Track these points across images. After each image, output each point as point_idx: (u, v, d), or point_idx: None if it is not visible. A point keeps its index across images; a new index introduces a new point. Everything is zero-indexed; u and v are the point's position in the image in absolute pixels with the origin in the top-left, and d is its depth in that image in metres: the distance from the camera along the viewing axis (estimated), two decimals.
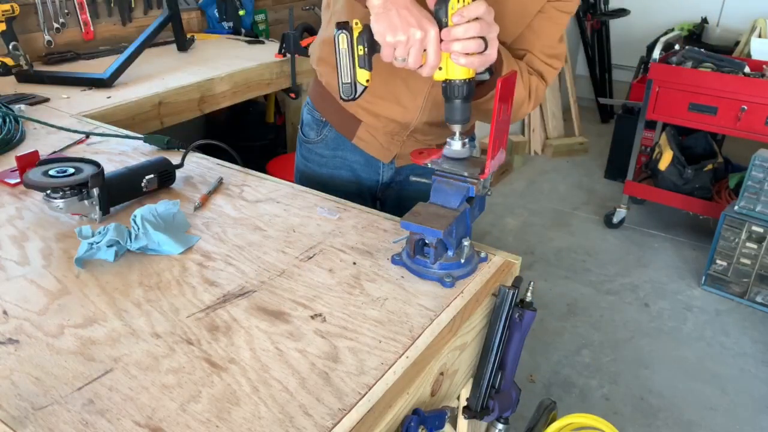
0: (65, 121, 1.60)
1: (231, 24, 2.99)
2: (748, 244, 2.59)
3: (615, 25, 4.74)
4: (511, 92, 0.91)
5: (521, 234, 3.29)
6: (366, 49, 0.88)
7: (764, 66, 2.86)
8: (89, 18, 2.48)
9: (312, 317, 0.84)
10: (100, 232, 0.95)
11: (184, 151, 1.36)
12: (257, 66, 2.37)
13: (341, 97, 0.92)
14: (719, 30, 4.18)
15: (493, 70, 0.98)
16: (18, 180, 1.21)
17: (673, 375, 2.30)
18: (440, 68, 0.89)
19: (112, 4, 2.55)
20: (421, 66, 0.88)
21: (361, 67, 0.90)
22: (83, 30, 2.47)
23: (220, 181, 1.23)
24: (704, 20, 4.25)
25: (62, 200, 1.03)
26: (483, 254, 0.99)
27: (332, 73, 1.25)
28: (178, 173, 1.24)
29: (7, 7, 2.10)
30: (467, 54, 0.86)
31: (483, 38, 0.85)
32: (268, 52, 2.55)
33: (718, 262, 2.70)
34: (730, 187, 3.05)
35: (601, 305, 2.70)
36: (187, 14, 2.90)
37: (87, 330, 0.81)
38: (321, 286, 0.91)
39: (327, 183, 1.36)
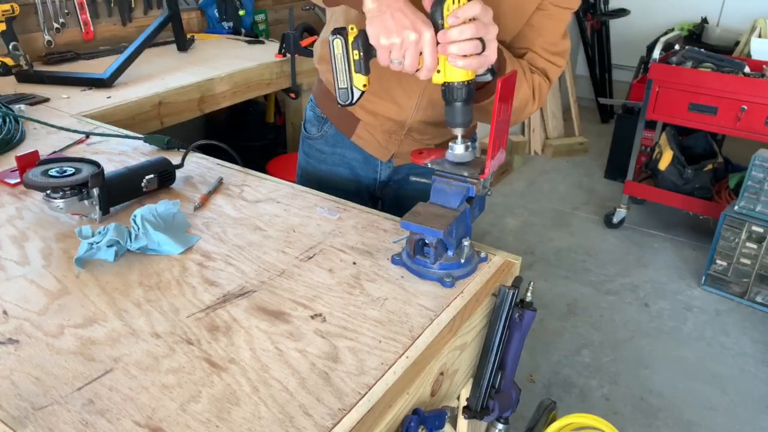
0: (65, 121, 1.60)
1: (231, 24, 2.99)
2: (748, 244, 2.59)
3: (615, 25, 4.74)
4: (511, 92, 0.91)
5: (521, 234, 3.29)
6: (362, 53, 0.87)
7: (764, 66, 2.86)
8: (89, 18, 2.48)
9: (312, 317, 0.84)
10: (100, 232, 0.95)
11: (184, 151, 1.36)
12: (257, 66, 2.37)
13: (338, 103, 0.91)
14: (719, 30, 4.18)
15: (495, 70, 0.98)
16: (18, 180, 1.21)
17: (673, 375, 2.30)
18: (438, 71, 0.88)
19: (112, 4, 2.55)
20: (418, 69, 0.87)
21: (357, 72, 0.89)
22: (83, 30, 2.47)
23: (220, 181, 1.23)
24: (704, 20, 4.25)
25: (62, 200, 1.03)
26: (483, 254, 0.99)
27: (330, 71, 1.25)
28: (178, 173, 1.24)
29: (7, 7, 2.10)
30: (464, 56, 0.85)
31: (480, 39, 0.84)
32: (268, 52, 2.55)
33: (718, 262, 2.70)
34: (730, 187, 3.05)
35: (601, 305, 2.70)
36: (187, 14, 2.90)
37: (87, 330, 0.81)
38: (321, 286, 0.91)
39: (326, 179, 1.37)
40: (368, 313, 0.85)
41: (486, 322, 0.92)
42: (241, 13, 2.98)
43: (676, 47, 3.10)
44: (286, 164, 2.65)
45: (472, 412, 0.90)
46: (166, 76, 2.13)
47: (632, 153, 3.18)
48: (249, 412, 0.68)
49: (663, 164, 3.09)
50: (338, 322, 0.83)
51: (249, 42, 2.78)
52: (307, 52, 2.47)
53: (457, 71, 0.87)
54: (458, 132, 0.92)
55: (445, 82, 0.89)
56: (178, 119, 2.05)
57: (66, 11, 2.39)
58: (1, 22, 2.09)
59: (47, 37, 2.33)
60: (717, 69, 2.81)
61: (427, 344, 0.80)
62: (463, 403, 0.94)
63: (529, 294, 0.91)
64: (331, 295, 0.89)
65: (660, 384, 2.25)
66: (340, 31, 0.87)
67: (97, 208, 1.07)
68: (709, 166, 3.03)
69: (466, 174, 0.92)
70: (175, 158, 1.26)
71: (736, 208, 2.60)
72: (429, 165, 0.95)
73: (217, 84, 2.18)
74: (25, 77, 2.01)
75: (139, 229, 0.99)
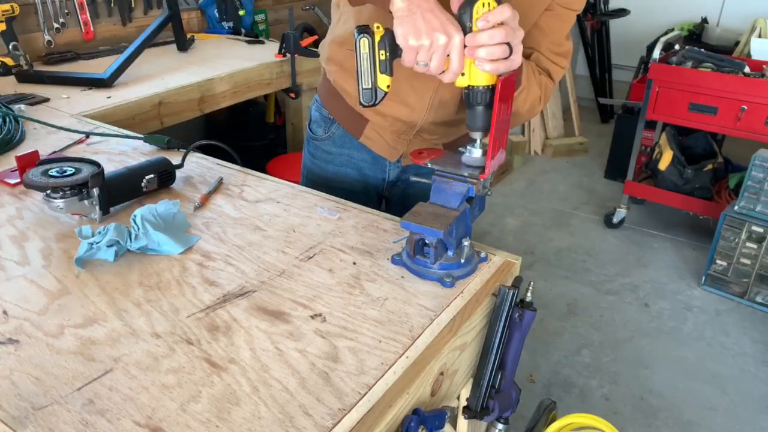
0: (65, 121, 1.60)
1: (231, 24, 2.99)
2: (748, 244, 2.59)
3: (615, 25, 4.74)
4: (511, 92, 0.91)
5: (521, 234, 3.29)
6: (388, 53, 0.86)
7: (764, 66, 2.86)
8: (89, 18, 2.48)
9: (312, 317, 0.84)
10: (100, 232, 0.95)
11: (184, 151, 1.36)
12: (257, 66, 2.37)
13: (361, 103, 0.89)
14: (719, 30, 4.17)
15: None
16: (18, 180, 1.21)
17: (673, 375, 2.30)
18: (463, 74, 0.87)
19: (112, 4, 2.55)
20: (443, 72, 0.86)
21: (382, 72, 0.87)
22: (83, 30, 2.47)
23: (220, 181, 1.23)
24: (704, 20, 4.25)
25: (62, 200, 1.03)
26: (483, 254, 0.99)
27: (340, 72, 1.25)
28: (178, 173, 1.24)
29: (7, 7, 2.10)
30: (492, 60, 0.84)
31: (508, 44, 0.84)
32: (268, 52, 2.55)
33: (718, 262, 2.70)
34: (730, 187, 3.05)
35: (601, 305, 2.70)
36: (187, 14, 2.90)
37: (87, 330, 0.81)
38: (321, 286, 0.91)
39: (333, 180, 1.36)
40: (368, 313, 0.85)
41: (486, 322, 0.92)
42: (241, 13, 2.98)
43: (676, 47, 3.10)
44: (286, 164, 2.65)
45: (472, 412, 0.90)
46: (166, 76, 2.13)
47: (632, 153, 3.18)
48: (249, 412, 0.68)
49: (663, 164, 3.10)
50: (338, 322, 0.83)
51: (249, 42, 2.78)
52: (307, 52, 2.47)
53: (482, 75, 0.86)
54: (477, 136, 0.92)
55: (469, 86, 0.88)
56: (178, 119, 2.05)
57: (66, 11, 2.39)
58: (1, 22, 2.10)
59: (47, 37, 2.33)
60: (717, 69, 2.81)
61: (427, 344, 0.80)
62: (463, 403, 0.94)
63: (529, 294, 0.91)
64: (331, 295, 0.89)
65: (660, 384, 2.25)
66: (366, 30, 0.85)
67: (97, 208, 1.07)
68: (709, 166, 3.03)
69: (466, 174, 0.92)
70: (175, 158, 1.26)
71: (736, 208, 2.60)
72: (429, 165, 0.95)
73: (217, 84, 2.19)
74: (25, 77, 2.01)
75: (139, 229, 0.99)
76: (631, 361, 2.36)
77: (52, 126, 1.53)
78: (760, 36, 3.52)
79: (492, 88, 0.88)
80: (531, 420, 1.08)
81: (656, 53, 2.89)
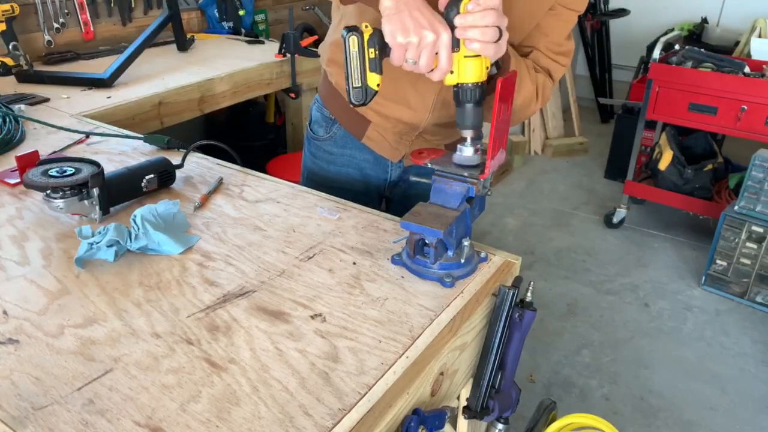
0: (65, 121, 1.60)
1: (231, 24, 2.99)
2: (748, 244, 2.59)
3: (615, 25, 4.74)
4: (511, 92, 0.91)
5: (521, 234, 3.29)
6: (377, 52, 0.86)
7: (764, 66, 2.86)
8: (89, 18, 2.48)
9: (312, 317, 0.84)
10: (100, 232, 0.95)
11: (184, 151, 1.36)
12: (257, 66, 2.37)
13: (351, 102, 0.90)
14: (719, 30, 4.17)
15: (500, 63, 0.97)
16: (18, 180, 1.21)
17: (673, 375, 2.30)
18: (452, 72, 0.87)
19: (112, 4, 2.55)
20: (432, 70, 0.87)
21: (371, 71, 0.87)
22: (83, 30, 2.47)
23: (220, 181, 1.23)
24: (704, 20, 4.25)
25: (62, 200, 1.03)
26: (483, 254, 0.99)
27: (341, 73, 1.25)
28: (178, 173, 1.24)
29: (7, 7, 2.10)
30: (484, 41, 0.84)
31: (498, 27, 0.84)
32: (268, 52, 2.55)
33: (718, 262, 2.70)
34: (730, 187, 3.05)
35: (601, 305, 2.70)
36: (187, 14, 2.90)
37: (87, 330, 0.81)
38: (321, 286, 0.91)
39: (335, 180, 1.36)
40: (368, 313, 0.85)
41: (486, 322, 0.92)
42: (241, 13, 2.98)
43: (676, 47, 3.10)
44: (286, 164, 2.65)
45: (472, 412, 0.90)
46: (166, 76, 2.13)
47: (632, 153, 3.17)
48: (249, 412, 0.68)
49: (663, 164, 3.09)
50: (338, 322, 0.83)
51: (249, 42, 2.78)
52: (307, 52, 2.47)
53: (471, 72, 0.87)
54: (468, 134, 0.92)
55: (458, 83, 0.88)
56: (178, 119, 2.05)
57: (66, 11, 2.39)
58: (1, 22, 2.10)
59: (47, 37, 2.33)
60: (717, 69, 2.81)
61: (427, 344, 0.80)
62: (463, 403, 0.94)
63: (529, 294, 0.91)
64: (331, 295, 0.89)
65: (660, 384, 2.25)
66: (355, 29, 0.85)
67: (97, 208, 1.07)
68: (709, 166, 3.03)
69: (466, 174, 0.92)
70: (175, 158, 1.26)
71: (736, 208, 2.60)
72: (429, 165, 0.95)
73: (217, 84, 2.19)
74: (25, 77, 2.01)
75: (139, 229, 0.99)
76: (631, 361, 2.36)
77: (52, 126, 1.53)
78: (760, 36, 3.52)
79: (481, 85, 0.88)
80: (531, 420, 1.08)
81: (656, 53, 2.89)
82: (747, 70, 2.80)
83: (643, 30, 4.49)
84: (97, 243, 0.94)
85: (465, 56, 0.86)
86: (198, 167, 1.31)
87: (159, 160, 1.19)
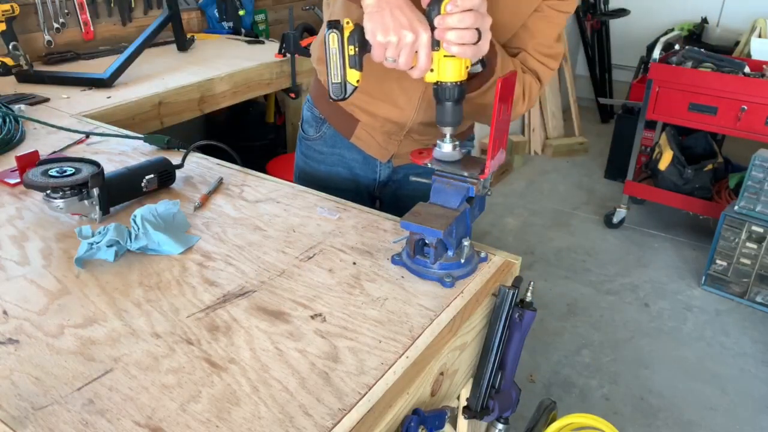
0: (65, 121, 1.60)
1: (231, 24, 2.99)
2: (748, 244, 2.59)
3: (615, 25, 4.74)
4: (511, 92, 0.91)
5: (521, 234, 3.29)
6: (357, 48, 0.87)
7: (764, 66, 2.86)
8: (89, 18, 2.48)
9: (312, 317, 0.84)
10: (100, 232, 0.95)
11: (184, 151, 1.36)
12: (257, 66, 2.37)
13: (330, 97, 0.91)
14: (719, 30, 4.18)
15: (485, 62, 0.98)
16: (18, 180, 1.21)
17: (673, 375, 2.30)
18: (432, 70, 0.88)
19: (112, 4, 2.55)
20: (412, 68, 0.88)
21: (351, 67, 0.88)
22: (83, 30, 2.47)
23: (220, 181, 1.23)
24: (704, 20, 4.25)
25: (62, 200, 1.03)
26: (483, 254, 0.99)
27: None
28: (178, 173, 1.24)
29: (7, 7, 2.10)
30: (461, 44, 0.84)
31: (477, 29, 0.85)
32: (268, 52, 2.55)
33: (718, 262, 2.70)
34: (730, 187, 3.05)
35: (601, 305, 2.70)
36: (187, 14, 2.90)
37: (87, 330, 0.81)
38: (321, 286, 0.91)
39: (325, 180, 1.36)
40: (368, 313, 0.85)
41: (486, 322, 0.92)
42: (241, 13, 2.98)
43: (676, 47, 3.10)
44: (286, 164, 2.65)
45: (472, 412, 0.90)
46: (166, 76, 2.13)
47: (632, 153, 3.18)
48: (249, 412, 0.68)
49: (663, 164, 3.10)
50: (338, 322, 0.83)
51: (249, 42, 2.78)
52: (307, 52, 2.47)
53: (451, 71, 0.87)
54: (447, 131, 0.93)
55: (437, 82, 0.89)
56: (178, 119, 2.05)
57: (66, 11, 2.39)
58: (1, 22, 2.09)
59: (47, 37, 2.33)
60: (717, 69, 2.81)
61: (427, 344, 0.80)
62: (463, 403, 0.94)
63: (529, 294, 0.91)
64: (331, 295, 0.89)
65: (660, 384, 2.25)
66: (336, 25, 0.86)
67: (97, 208, 1.07)
68: (709, 166, 3.03)
69: (466, 174, 0.92)
70: (175, 158, 1.26)
71: (736, 208, 2.60)
72: (429, 165, 0.95)
73: (217, 84, 2.19)
74: (25, 77, 2.01)
75: (139, 229, 0.99)
76: (631, 361, 2.36)
77: (52, 126, 1.53)
78: (760, 36, 3.52)
79: (460, 84, 0.89)
80: (531, 420, 1.08)
81: (656, 53, 2.89)
82: (747, 70, 2.80)
83: (643, 30, 4.49)
84: (97, 243, 0.94)
85: (444, 56, 0.87)
86: (198, 167, 1.31)
87: (159, 160, 1.19)
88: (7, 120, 1.46)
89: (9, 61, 2.07)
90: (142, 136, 1.45)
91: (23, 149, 1.38)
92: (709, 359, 2.38)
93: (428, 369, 0.77)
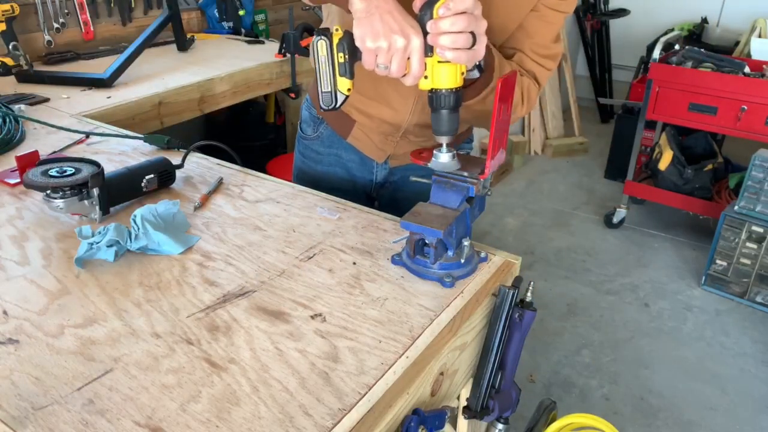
0: (65, 121, 1.60)
1: (231, 24, 2.99)
2: (748, 244, 2.59)
3: (615, 25, 4.74)
4: (511, 92, 0.91)
5: (521, 234, 3.29)
6: (347, 56, 0.84)
7: (764, 66, 2.86)
8: (89, 18, 2.48)
9: (312, 317, 0.84)
10: (100, 232, 0.95)
11: (184, 151, 1.36)
12: (257, 66, 2.37)
13: (321, 107, 0.88)
14: (719, 30, 4.18)
15: (483, 67, 0.95)
16: (18, 180, 1.21)
17: (673, 375, 2.30)
18: (426, 77, 0.85)
19: (112, 4, 2.55)
20: (404, 75, 0.84)
21: (341, 75, 0.85)
22: (83, 30, 2.47)
23: (220, 181, 1.23)
24: (704, 20, 4.25)
25: (62, 200, 1.03)
26: (483, 254, 0.99)
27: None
28: (178, 173, 1.24)
29: (7, 7, 2.10)
30: (455, 48, 0.81)
31: (471, 33, 0.81)
32: (268, 52, 2.55)
33: (718, 262, 2.70)
34: (730, 187, 3.05)
35: (601, 305, 2.70)
36: (187, 14, 2.90)
37: (87, 330, 0.81)
38: (321, 286, 0.91)
39: (322, 180, 1.37)
40: (368, 313, 0.85)
41: (486, 322, 0.92)
42: (241, 13, 2.98)
43: (676, 47, 3.10)
44: (286, 164, 2.65)
45: (472, 412, 0.90)
46: (166, 76, 2.13)
47: (632, 153, 3.18)
48: (249, 412, 0.68)
49: (663, 164, 3.10)
50: (338, 322, 0.83)
51: (249, 42, 2.78)
52: (307, 52, 2.47)
53: (446, 78, 0.84)
54: (443, 140, 0.89)
55: (432, 89, 0.86)
56: (178, 119, 2.05)
57: (66, 11, 2.39)
58: (1, 22, 2.09)
59: (47, 37, 2.33)
60: (717, 69, 2.81)
61: (427, 344, 0.80)
62: (463, 403, 0.94)
63: (529, 294, 0.91)
64: (331, 295, 0.89)
65: (660, 384, 2.25)
66: (324, 32, 0.83)
67: (97, 208, 1.07)
68: (709, 166, 3.03)
69: (466, 174, 0.92)
70: (175, 158, 1.26)
71: (736, 208, 2.60)
72: (429, 165, 0.95)
73: (217, 84, 2.18)
74: (25, 77, 2.01)
75: (139, 229, 0.99)
76: (631, 361, 2.36)
77: (52, 126, 1.53)
78: (760, 36, 3.52)
79: (456, 91, 0.85)
80: (531, 420, 1.08)
81: (656, 53, 2.89)
82: (747, 70, 2.80)
83: (643, 30, 4.49)
84: (97, 243, 0.94)
85: (438, 61, 0.83)
86: (198, 167, 1.31)
87: (159, 160, 1.19)
88: (7, 120, 1.46)
89: (9, 61, 2.07)
90: (142, 136, 1.45)
91: (23, 149, 1.38)
92: (709, 359, 2.38)
93: (428, 369, 0.77)
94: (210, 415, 0.68)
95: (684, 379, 2.27)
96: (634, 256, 3.09)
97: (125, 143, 1.44)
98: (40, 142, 1.45)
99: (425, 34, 0.82)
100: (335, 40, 0.84)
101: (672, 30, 3.97)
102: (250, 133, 3.12)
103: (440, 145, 0.91)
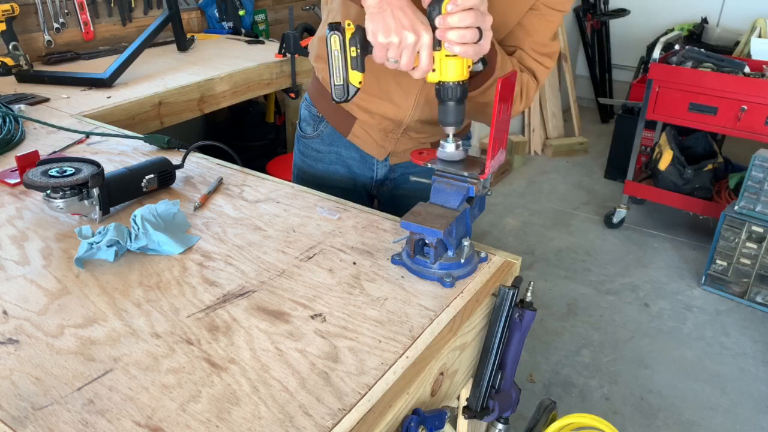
0: (65, 121, 1.60)
1: (231, 24, 2.99)
2: (748, 244, 2.59)
3: (615, 25, 4.74)
4: (511, 92, 0.91)
5: (521, 234, 3.29)
6: (359, 50, 0.88)
7: (764, 66, 2.86)
8: (89, 18, 2.48)
9: (312, 317, 0.84)
10: (100, 232, 0.95)
11: (184, 151, 1.36)
12: (257, 66, 2.37)
13: (333, 99, 0.91)
14: (719, 30, 4.18)
15: (486, 60, 0.98)
16: (18, 180, 1.21)
17: (673, 375, 2.30)
18: (434, 70, 0.88)
19: (112, 4, 2.55)
20: (413, 68, 0.88)
21: (353, 69, 0.89)
22: (83, 30, 2.47)
23: (220, 181, 1.23)
24: (704, 20, 4.25)
25: (62, 200, 1.03)
26: (483, 254, 0.99)
27: (328, 69, 1.26)
28: (178, 173, 1.24)
29: (7, 7, 2.10)
30: (462, 43, 0.84)
31: (478, 28, 0.85)
32: (268, 52, 2.55)
33: (718, 262, 2.70)
34: (730, 187, 3.05)
35: (601, 305, 2.70)
36: (187, 14, 2.90)
37: (87, 330, 0.81)
38: (321, 286, 0.91)
39: (323, 178, 1.37)
40: (368, 313, 0.85)
41: (486, 322, 0.92)
42: (241, 13, 2.98)
43: (676, 47, 3.10)
44: (286, 164, 2.65)
45: (472, 412, 0.90)
46: (166, 76, 2.13)
47: (632, 153, 3.18)
48: (249, 412, 0.68)
49: (663, 164, 3.10)
50: (338, 322, 0.83)
51: (249, 42, 2.78)
52: (307, 52, 2.47)
53: (453, 71, 0.88)
54: (450, 131, 0.93)
55: (439, 81, 0.89)
56: (178, 119, 2.05)
57: (66, 11, 2.39)
58: (1, 22, 2.10)
59: (47, 37, 2.33)
60: (717, 69, 2.81)
61: (427, 344, 0.80)
62: (463, 403, 0.94)
63: (529, 294, 0.91)
64: (331, 295, 0.89)
65: (660, 384, 2.25)
66: (337, 27, 0.87)
67: (97, 208, 1.07)
68: (709, 166, 3.03)
69: (466, 174, 0.92)
70: (175, 158, 1.26)
71: (736, 208, 2.60)
72: (429, 165, 0.95)
73: (217, 84, 2.19)
74: (25, 77, 2.01)
75: (139, 229, 0.99)
76: (631, 361, 2.36)
77: (52, 126, 1.53)
78: (760, 36, 3.53)
79: (462, 84, 0.89)
80: (531, 420, 1.08)
81: (656, 53, 2.89)
82: (747, 70, 2.80)
83: (643, 30, 4.49)
84: (97, 243, 0.94)
85: (446, 55, 0.87)
86: (198, 167, 1.31)
87: (159, 160, 1.19)
88: (7, 120, 1.46)
89: (9, 61, 2.07)
90: (142, 136, 1.45)
91: (23, 149, 1.38)
92: (709, 359, 2.38)
93: (428, 369, 0.77)
94: (210, 415, 0.68)
95: (684, 379, 2.27)
96: (634, 256, 3.09)
97: (125, 143, 1.44)
98: (40, 142, 1.45)
99: (434, 29, 0.85)
100: (348, 35, 0.87)
101: (672, 30, 3.97)
102: (250, 133, 3.12)
103: (446, 137, 0.94)
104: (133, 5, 2.64)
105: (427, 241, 0.89)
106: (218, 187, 1.22)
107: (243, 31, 3.00)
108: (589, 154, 4.29)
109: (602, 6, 4.61)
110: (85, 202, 1.06)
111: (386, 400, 0.71)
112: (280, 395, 0.71)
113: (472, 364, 0.94)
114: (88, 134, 1.48)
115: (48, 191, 1.04)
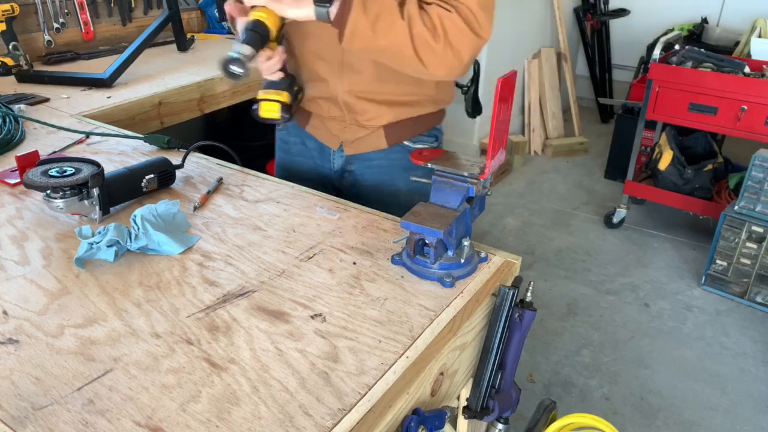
0: (65, 121, 1.60)
1: None
2: (748, 244, 2.59)
3: (615, 25, 4.74)
4: (511, 92, 0.91)
5: (521, 234, 3.29)
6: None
7: (764, 66, 2.86)
8: (89, 18, 2.48)
9: (312, 317, 0.84)
10: (100, 232, 0.95)
11: (184, 151, 1.36)
12: (257, 66, 2.36)
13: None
14: (719, 30, 4.17)
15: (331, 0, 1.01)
16: (18, 180, 1.21)
17: (673, 375, 2.30)
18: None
19: (112, 4, 2.55)
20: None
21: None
22: (83, 30, 2.47)
23: (220, 181, 1.23)
24: (704, 20, 4.25)
25: (62, 200, 1.03)
26: (483, 254, 0.99)
27: (291, 59, 1.31)
28: (178, 173, 1.24)
29: (7, 7, 2.10)
30: None
31: None
32: None
33: (718, 262, 2.70)
34: (730, 187, 3.05)
35: (601, 305, 2.70)
36: (187, 14, 2.90)
37: (87, 330, 0.81)
38: (321, 286, 0.91)
39: (293, 169, 1.42)
40: (368, 313, 0.85)
41: (486, 322, 0.92)
42: None
43: (676, 47, 3.10)
44: None
45: (472, 412, 0.90)
46: (166, 76, 2.13)
47: (632, 153, 3.17)
48: (249, 412, 0.68)
49: (663, 164, 3.10)
50: (338, 322, 0.83)
51: None
52: None
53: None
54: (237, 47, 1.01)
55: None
56: (178, 119, 2.05)
57: (66, 11, 2.39)
58: (1, 22, 2.09)
59: (47, 37, 2.33)
60: (717, 69, 2.81)
61: (427, 344, 0.80)
62: (463, 403, 0.94)
63: (529, 294, 0.91)
64: (331, 295, 0.89)
65: (660, 384, 2.25)
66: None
67: (97, 208, 1.07)
68: (709, 166, 3.03)
69: (466, 174, 0.92)
70: (175, 158, 1.26)
71: (736, 208, 2.60)
72: (429, 165, 0.95)
73: (217, 84, 2.18)
74: (25, 77, 2.01)
75: (139, 229, 0.99)
76: (631, 361, 2.36)
77: (52, 126, 1.53)
78: (760, 36, 3.53)
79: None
80: (531, 420, 1.08)
81: (656, 53, 2.89)
82: (747, 70, 2.80)
83: (643, 30, 4.49)
84: (97, 243, 0.94)
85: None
86: (198, 167, 1.31)
87: (159, 160, 1.19)
88: (7, 120, 1.46)
89: (9, 61, 2.07)
90: (142, 136, 1.45)
91: (23, 149, 1.38)
92: (709, 359, 2.38)
93: (428, 369, 0.77)
94: (210, 415, 0.68)
95: (684, 379, 2.27)
96: (634, 256, 3.09)
97: (125, 143, 1.44)
98: (40, 142, 1.45)
99: None
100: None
101: (672, 30, 3.97)
102: (250, 133, 3.11)
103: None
104: (133, 5, 2.64)
105: (427, 241, 0.89)
106: (218, 187, 1.22)
107: None
108: (589, 154, 4.29)
109: (602, 6, 4.61)
110: (85, 202, 1.06)
111: (386, 400, 0.71)
112: (280, 395, 0.71)
113: (472, 364, 0.94)
114: (88, 134, 1.48)
115: (48, 191, 1.04)
